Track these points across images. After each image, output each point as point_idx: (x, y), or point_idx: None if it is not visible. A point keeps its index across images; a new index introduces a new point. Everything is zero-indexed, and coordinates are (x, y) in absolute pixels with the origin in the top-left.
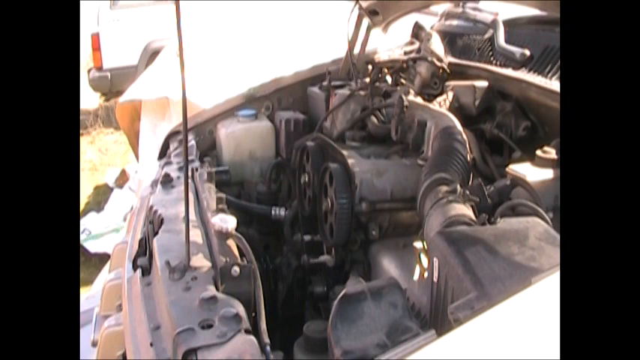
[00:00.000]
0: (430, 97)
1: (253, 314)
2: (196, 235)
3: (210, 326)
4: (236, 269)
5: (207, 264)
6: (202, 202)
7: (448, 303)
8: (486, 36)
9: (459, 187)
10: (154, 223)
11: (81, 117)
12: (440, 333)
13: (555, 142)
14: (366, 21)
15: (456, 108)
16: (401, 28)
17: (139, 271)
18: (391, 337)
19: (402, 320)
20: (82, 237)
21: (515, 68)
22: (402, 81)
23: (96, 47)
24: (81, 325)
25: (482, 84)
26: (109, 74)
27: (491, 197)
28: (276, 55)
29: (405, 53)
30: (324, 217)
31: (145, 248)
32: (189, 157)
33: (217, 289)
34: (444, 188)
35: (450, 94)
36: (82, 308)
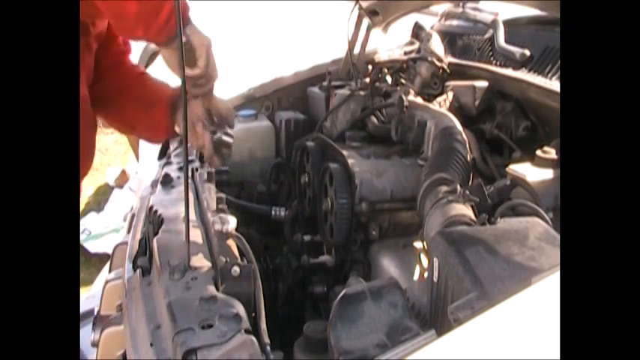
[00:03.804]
0: (430, 97)
1: (253, 314)
2: (196, 235)
3: (210, 326)
4: (236, 269)
5: (207, 264)
6: (202, 202)
7: (448, 303)
8: (486, 36)
9: (459, 187)
10: (154, 223)
11: None
12: (440, 333)
13: (555, 142)
14: (366, 21)
15: (456, 108)
16: (401, 28)
17: (139, 271)
18: (391, 337)
19: (402, 320)
20: (82, 237)
21: (515, 68)
22: (402, 81)
23: None
24: (81, 325)
25: (483, 84)
26: None
27: (491, 197)
28: (276, 55)
29: (405, 53)
30: (324, 217)
31: (145, 248)
32: (189, 157)
33: (217, 289)
34: (444, 188)
35: (450, 94)
36: (82, 308)
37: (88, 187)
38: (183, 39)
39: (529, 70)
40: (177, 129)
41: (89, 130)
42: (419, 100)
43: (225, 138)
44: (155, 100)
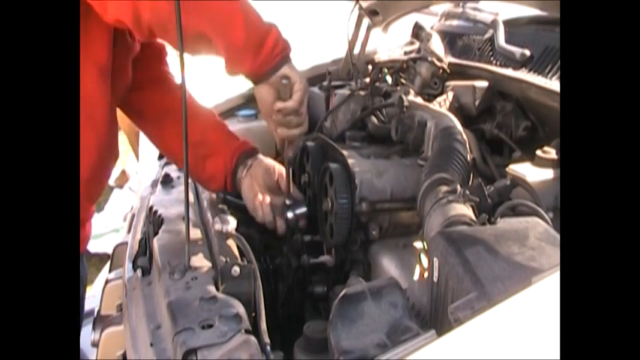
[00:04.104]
0: (430, 97)
1: (253, 314)
2: (196, 235)
3: (210, 326)
4: (236, 269)
5: (207, 264)
6: (202, 202)
7: (448, 303)
8: (486, 36)
9: (459, 187)
10: (154, 223)
11: None
12: (440, 333)
13: (555, 142)
14: (366, 21)
15: (456, 108)
16: (401, 28)
17: (139, 271)
18: (391, 337)
19: (402, 320)
20: None
21: (515, 68)
22: (402, 81)
23: None
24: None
25: (483, 84)
26: None
27: (491, 197)
28: None
29: (405, 53)
30: (324, 217)
31: (145, 248)
32: None
33: (217, 289)
34: (444, 188)
35: (450, 94)
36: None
37: None
38: (284, 73)
39: (529, 70)
40: (239, 189)
41: (107, 155)
42: (419, 100)
43: (299, 211)
44: (214, 149)
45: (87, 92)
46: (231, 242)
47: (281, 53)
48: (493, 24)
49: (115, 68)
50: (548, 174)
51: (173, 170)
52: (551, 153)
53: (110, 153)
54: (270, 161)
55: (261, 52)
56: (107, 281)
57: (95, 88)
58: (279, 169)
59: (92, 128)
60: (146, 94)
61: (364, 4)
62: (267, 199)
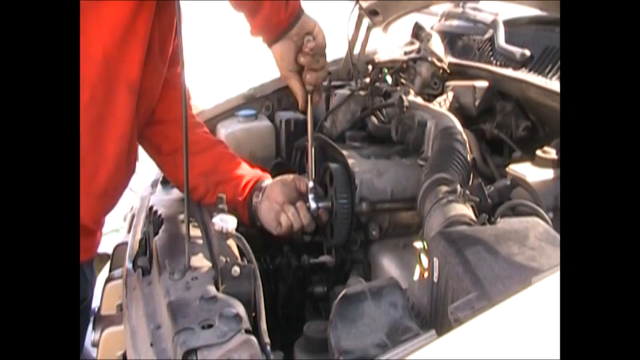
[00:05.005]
0: (430, 97)
1: (253, 314)
2: (196, 235)
3: (210, 326)
4: (236, 269)
5: (207, 264)
6: None
7: (448, 303)
8: (486, 36)
9: (459, 187)
10: (154, 223)
11: None
12: (440, 333)
13: (555, 142)
14: (366, 21)
15: (456, 108)
16: (401, 28)
17: (139, 271)
18: (391, 337)
19: (402, 320)
20: None
21: (515, 68)
22: (402, 81)
23: None
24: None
25: (483, 84)
26: None
27: (491, 197)
28: None
29: (405, 53)
30: None
31: (145, 248)
32: None
33: (217, 289)
34: (444, 188)
35: (450, 94)
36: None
37: None
38: (303, 23)
39: (529, 70)
40: (257, 217)
41: (125, 171)
42: (419, 100)
43: (323, 204)
44: (226, 177)
45: (114, 107)
46: (231, 242)
47: (299, 5)
48: (493, 24)
49: (143, 88)
50: (548, 174)
51: None
52: (551, 153)
53: (128, 169)
54: (283, 176)
55: (285, 3)
56: (107, 281)
57: (122, 103)
58: (296, 176)
59: (113, 141)
60: (166, 130)
61: (364, 4)
62: (290, 207)
